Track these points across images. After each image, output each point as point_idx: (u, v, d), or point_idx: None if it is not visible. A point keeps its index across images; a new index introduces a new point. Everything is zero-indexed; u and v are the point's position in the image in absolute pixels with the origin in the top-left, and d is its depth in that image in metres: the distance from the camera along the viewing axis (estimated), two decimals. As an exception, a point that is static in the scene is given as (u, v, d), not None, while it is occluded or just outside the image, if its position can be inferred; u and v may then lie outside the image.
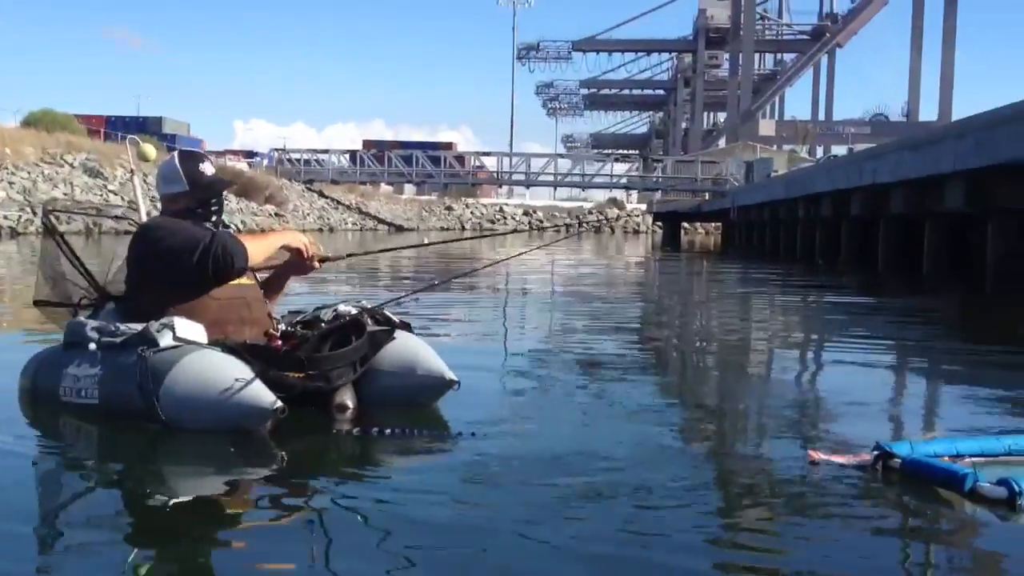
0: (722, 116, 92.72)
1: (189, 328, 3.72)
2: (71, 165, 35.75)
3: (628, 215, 62.51)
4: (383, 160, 56.10)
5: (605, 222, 55.05)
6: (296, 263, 4.26)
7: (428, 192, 68.08)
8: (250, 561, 2.42)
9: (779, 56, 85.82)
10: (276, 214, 44.07)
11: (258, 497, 3.03)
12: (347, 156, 59.55)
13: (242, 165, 58.09)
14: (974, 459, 3.10)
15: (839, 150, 57.82)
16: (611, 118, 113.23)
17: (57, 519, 2.85)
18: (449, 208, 66.21)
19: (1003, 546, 2.61)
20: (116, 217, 4.94)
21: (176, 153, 4.26)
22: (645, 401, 4.55)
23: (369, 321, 4.08)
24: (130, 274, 4.16)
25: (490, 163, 55.08)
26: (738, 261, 27.30)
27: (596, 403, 4.49)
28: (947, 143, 16.55)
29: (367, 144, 78.77)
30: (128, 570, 2.34)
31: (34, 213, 28.89)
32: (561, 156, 62.86)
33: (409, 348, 4.06)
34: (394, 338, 4.05)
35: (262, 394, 3.45)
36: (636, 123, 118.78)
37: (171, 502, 2.97)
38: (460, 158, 59.76)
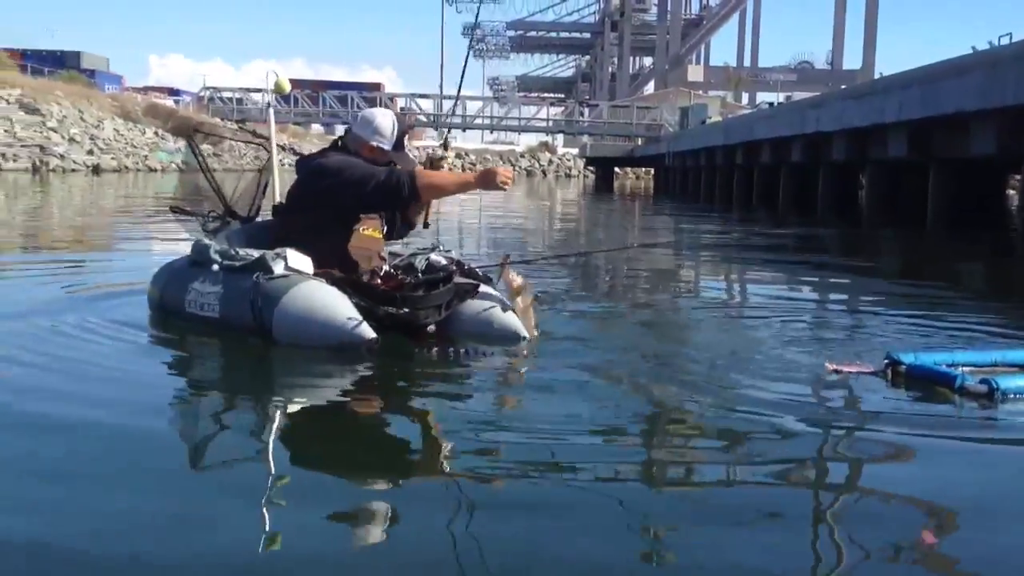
0: (648, 61, 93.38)
1: (299, 259, 4.31)
2: (7, 101, 35.01)
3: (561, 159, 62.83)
4: (317, 101, 55.62)
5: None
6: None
7: (359, 133, 67.49)
8: (354, 460, 2.90)
9: (705, 2, 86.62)
10: (214, 154, 43.62)
11: (357, 405, 3.59)
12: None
13: (168, 103, 56.94)
14: (966, 367, 3.86)
15: (765, 96, 59.18)
16: (537, 61, 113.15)
17: (177, 416, 3.36)
18: (381, 150, 65.95)
19: (984, 425, 3.43)
20: (253, 143, 5.47)
21: (396, 115, 4.77)
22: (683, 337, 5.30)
23: (457, 273, 4.63)
24: (292, 195, 4.71)
25: (425, 105, 54.99)
26: (679, 204, 28.20)
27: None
28: (892, 94, 17.58)
29: (293, 83, 77.25)
30: (234, 465, 2.78)
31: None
32: (496, 100, 63.05)
33: (489, 302, 4.56)
34: (478, 292, 4.61)
35: (362, 324, 4.02)
36: (562, 66, 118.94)
37: (280, 407, 3.53)
38: (393, 99, 59.50)
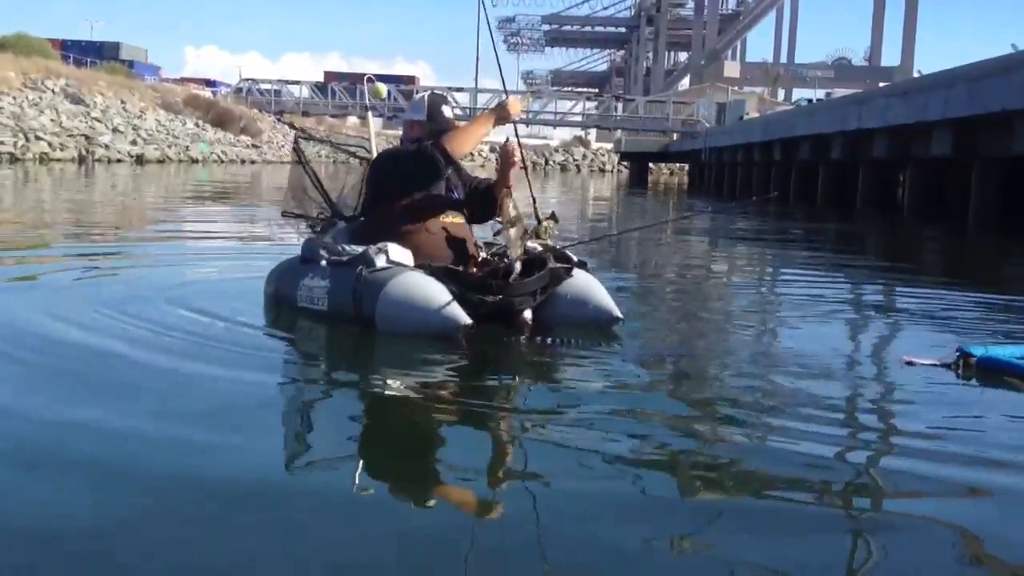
0: (683, 56, 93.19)
1: (400, 253, 4.51)
2: (52, 91, 35.57)
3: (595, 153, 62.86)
4: (354, 93, 56.03)
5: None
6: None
7: (395, 126, 67.97)
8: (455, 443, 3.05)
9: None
10: (252, 145, 44.17)
11: (453, 390, 3.71)
12: (317, 87, 59.41)
13: (206, 94, 57.53)
14: None
15: (803, 93, 58.87)
16: (571, 55, 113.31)
17: (291, 398, 3.57)
18: (416, 142, 66.16)
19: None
20: (349, 150, 5.68)
21: (429, 92, 5.08)
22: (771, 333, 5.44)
23: (551, 258, 4.74)
24: (366, 197, 4.98)
25: (461, 98, 55.23)
26: (715, 200, 28.13)
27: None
28: (937, 91, 17.54)
29: (329, 76, 78.03)
30: (340, 447, 2.93)
31: (27, 139, 28.98)
32: (533, 93, 63.19)
33: (584, 285, 4.68)
34: (572, 275, 4.74)
35: (456, 311, 4.18)
36: (596, 61, 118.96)
37: (381, 391, 3.73)
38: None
